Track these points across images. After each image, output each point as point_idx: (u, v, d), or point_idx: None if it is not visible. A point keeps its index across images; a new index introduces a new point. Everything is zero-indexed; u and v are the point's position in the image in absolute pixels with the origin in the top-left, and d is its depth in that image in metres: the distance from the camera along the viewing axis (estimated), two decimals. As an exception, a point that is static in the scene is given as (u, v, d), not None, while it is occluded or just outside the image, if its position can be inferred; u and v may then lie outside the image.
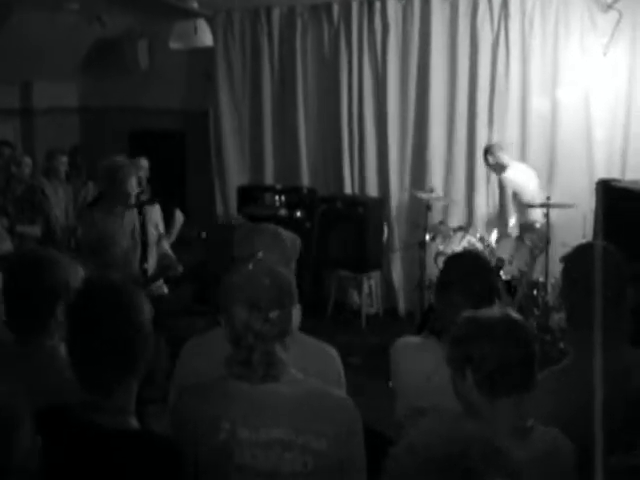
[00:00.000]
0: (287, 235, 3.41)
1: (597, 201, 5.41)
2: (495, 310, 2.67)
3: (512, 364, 2.46)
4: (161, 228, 6.12)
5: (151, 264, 5.84)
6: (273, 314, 2.53)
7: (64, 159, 8.34)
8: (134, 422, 2.41)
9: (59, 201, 8.08)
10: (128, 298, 2.43)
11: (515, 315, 2.59)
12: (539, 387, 2.70)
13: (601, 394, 2.73)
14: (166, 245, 6.17)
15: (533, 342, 2.54)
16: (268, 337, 2.53)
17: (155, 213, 6.05)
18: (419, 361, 3.22)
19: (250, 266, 2.67)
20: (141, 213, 5.70)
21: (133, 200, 5.76)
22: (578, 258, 3.23)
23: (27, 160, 8.03)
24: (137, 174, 5.93)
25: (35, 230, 7.69)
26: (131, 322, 2.39)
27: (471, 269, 3.28)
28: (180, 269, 5.94)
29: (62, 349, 2.65)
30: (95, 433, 2.30)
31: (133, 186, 5.76)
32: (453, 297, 3.17)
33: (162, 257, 6.02)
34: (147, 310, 2.46)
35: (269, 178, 9.31)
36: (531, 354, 2.51)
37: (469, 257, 3.54)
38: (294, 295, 2.64)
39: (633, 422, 2.93)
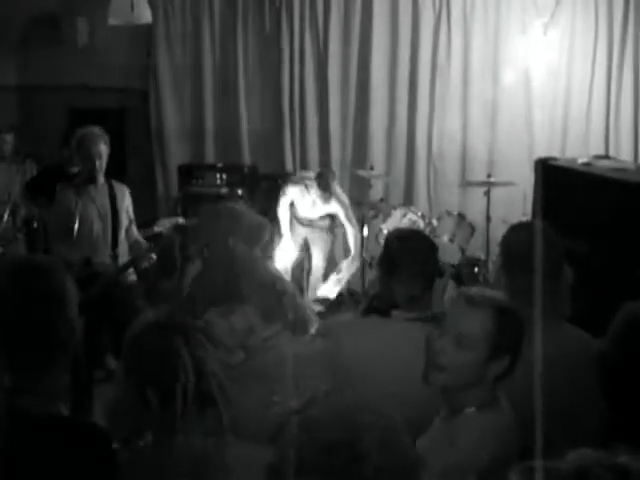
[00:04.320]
0: (253, 218, 3.39)
1: (536, 179, 5.48)
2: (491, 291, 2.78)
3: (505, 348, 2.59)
4: (131, 213, 5.95)
5: (122, 250, 5.74)
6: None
7: (9, 137, 8.18)
8: (63, 409, 2.37)
9: (7, 182, 7.89)
10: (50, 281, 2.38)
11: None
12: None
13: (542, 370, 2.77)
14: (136, 231, 5.99)
15: (523, 326, 2.65)
16: None
17: (126, 197, 5.91)
18: (365, 340, 3.20)
19: None
20: (111, 195, 5.62)
21: (102, 171, 5.64)
22: (516, 236, 3.28)
23: None
24: (105, 144, 5.69)
25: None
26: (52, 305, 2.35)
27: (420, 250, 3.31)
28: (152, 258, 5.79)
29: None
30: (22, 418, 2.25)
31: (101, 154, 5.62)
32: (402, 277, 3.20)
33: (133, 244, 5.89)
34: (71, 294, 2.41)
35: (210, 156, 9.24)
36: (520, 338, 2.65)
37: (417, 238, 3.54)
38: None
39: (569, 398, 2.98)
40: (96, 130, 5.73)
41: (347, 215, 7.40)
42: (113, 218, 5.65)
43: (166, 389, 2.25)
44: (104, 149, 5.66)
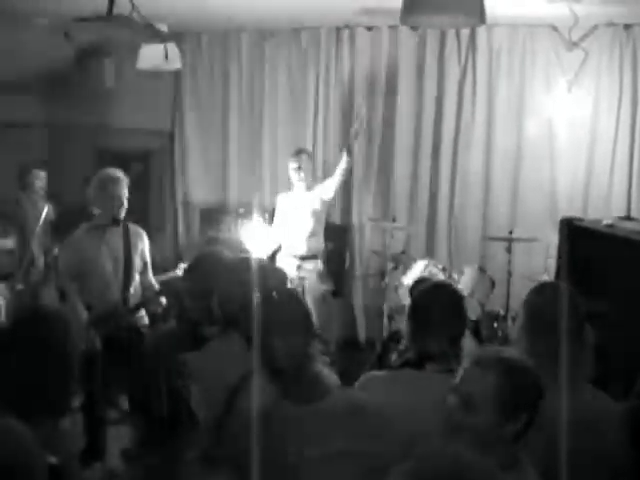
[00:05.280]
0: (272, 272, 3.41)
1: (560, 239, 5.49)
2: (512, 350, 2.81)
3: (525, 405, 2.55)
4: (147, 258, 5.88)
5: (133, 293, 5.68)
6: (307, 338, 2.66)
7: (41, 174, 8.26)
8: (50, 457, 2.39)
9: (38, 215, 7.93)
10: (49, 330, 2.46)
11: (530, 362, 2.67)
12: None
13: (566, 433, 2.77)
14: (151, 275, 5.93)
15: (542, 387, 2.62)
16: (308, 361, 2.66)
17: (141, 241, 5.84)
18: (394, 395, 3.19)
19: (275, 294, 2.69)
20: (126, 238, 5.60)
21: (122, 216, 5.61)
22: (539, 297, 3.27)
23: None
24: (126, 186, 5.68)
25: (6, 243, 7.60)
26: (50, 354, 2.42)
27: (450, 302, 3.34)
28: (162, 304, 5.78)
29: None
30: None
31: (121, 197, 5.59)
32: (434, 330, 3.20)
33: (145, 288, 5.83)
34: (72, 342, 2.47)
35: (234, 202, 9.28)
36: (540, 397, 2.61)
37: (445, 290, 3.53)
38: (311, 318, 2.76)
39: (592, 462, 2.96)
40: (118, 172, 5.71)
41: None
42: (126, 261, 5.59)
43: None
44: (125, 192, 5.64)
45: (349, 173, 7.87)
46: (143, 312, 5.81)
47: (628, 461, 2.73)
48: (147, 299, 5.77)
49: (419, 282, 3.89)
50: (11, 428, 2.11)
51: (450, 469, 1.74)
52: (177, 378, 2.80)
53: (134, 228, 5.82)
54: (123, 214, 5.64)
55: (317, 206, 7.40)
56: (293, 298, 2.70)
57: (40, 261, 7.75)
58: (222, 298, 3.43)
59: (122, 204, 5.61)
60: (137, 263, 5.74)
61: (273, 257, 7.52)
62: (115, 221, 5.63)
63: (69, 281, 5.53)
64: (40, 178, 8.24)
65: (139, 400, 2.73)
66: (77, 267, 5.52)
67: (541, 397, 2.56)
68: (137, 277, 5.75)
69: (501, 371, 2.52)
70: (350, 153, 7.26)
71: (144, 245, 5.86)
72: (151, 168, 9.59)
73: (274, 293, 2.71)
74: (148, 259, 5.90)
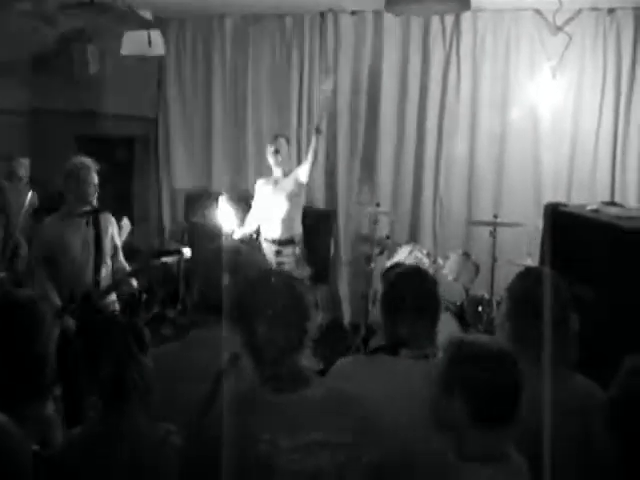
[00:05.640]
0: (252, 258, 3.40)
1: (545, 224, 5.49)
2: (487, 337, 2.82)
3: (503, 394, 2.52)
4: (117, 241, 5.98)
5: (104, 277, 5.70)
6: (294, 330, 2.62)
7: (24, 161, 8.21)
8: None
9: (21, 203, 7.91)
10: (24, 316, 2.47)
11: (506, 346, 2.68)
12: None
13: (549, 418, 2.79)
14: (122, 259, 6.01)
15: (521, 375, 2.58)
16: (291, 351, 2.62)
17: (111, 225, 5.92)
18: (368, 381, 3.20)
19: (269, 280, 2.70)
20: (95, 223, 5.61)
21: (93, 202, 5.66)
22: (523, 283, 3.28)
23: None
24: (96, 174, 5.73)
25: None
26: (24, 340, 2.45)
27: (422, 287, 3.34)
28: (133, 285, 5.86)
29: None
30: None
31: (94, 188, 5.67)
32: (406, 315, 3.21)
33: (117, 271, 5.89)
34: (47, 329, 2.49)
35: (217, 186, 9.27)
36: (519, 387, 2.55)
37: (417, 275, 3.54)
38: (309, 308, 2.70)
39: (576, 446, 2.98)
40: (87, 160, 5.78)
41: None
42: (97, 245, 5.61)
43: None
44: (95, 179, 5.70)
45: (325, 155, 7.88)
46: (114, 297, 5.88)
47: (612, 446, 2.74)
48: (118, 281, 5.82)
49: (392, 268, 3.88)
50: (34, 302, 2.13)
51: None
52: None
53: (102, 214, 5.82)
54: (94, 200, 5.69)
55: (293, 188, 7.37)
56: (285, 285, 2.69)
57: (24, 249, 7.71)
58: (206, 283, 3.41)
59: (92, 190, 5.68)
60: (108, 247, 5.80)
61: (257, 239, 7.53)
62: (86, 207, 5.67)
63: (41, 267, 5.60)
64: (23, 166, 8.18)
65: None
66: (49, 252, 5.60)
67: (521, 384, 2.57)
68: (109, 261, 5.81)
69: (481, 358, 2.54)
70: (319, 132, 7.25)
71: (114, 229, 5.94)
72: (135, 154, 9.57)
73: (271, 278, 2.71)
74: (118, 243, 5.99)
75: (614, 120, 7.96)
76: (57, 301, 5.43)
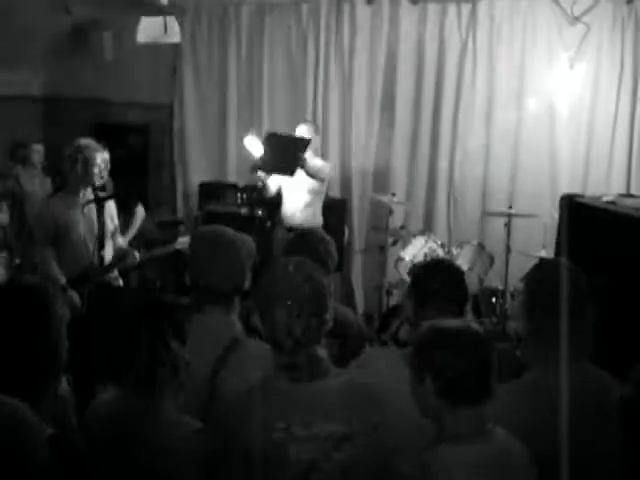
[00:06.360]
0: (241, 241, 3.35)
1: (561, 215, 5.48)
2: (457, 321, 2.77)
3: (470, 374, 2.54)
4: (116, 222, 6.11)
5: (107, 254, 5.85)
6: (313, 321, 2.62)
7: (38, 147, 8.20)
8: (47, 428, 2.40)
9: (36, 190, 7.94)
10: (35, 303, 2.48)
11: (475, 326, 2.67)
12: (504, 402, 2.76)
13: (567, 411, 2.78)
14: (120, 239, 6.15)
15: (491, 354, 2.61)
16: (308, 342, 2.63)
17: (111, 206, 6.04)
18: (396, 373, 3.19)
19: (290, 270, 2.68)
20: (99, 203, 5.75)
21: (96, 183, 5.78)
22: (540, 274, 3.25)
23: None
24: (102, 158, 5.82)
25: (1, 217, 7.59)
26: (36, 326, 2.44)
27: (450, 277, 3.35)
28: (136, 258, 5.94)
29: None
30: None
31: (98, 169, 5.75)
32: (436, 306, 3.20)
33: (118, 250, 6.01)
34: (58, 315, 2.50)
35: (232, 175, 9.26)
36: (489, 365, 2.58)
37: (444, 266, 3.54)
38: (328, 301, 2.71)
39: (592, 438, 2.96)
40: (90, 142, 5.88)
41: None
42: (100, 224, 5.76)
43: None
44: (99, 159, 5.79)
45: (340, 145, 7.84)
46: (116, 273, 6.01)
47: (626, 440, 2.73)
48: (121, 255, 5.95)
49: (418, 266, 3.87)
50: (5, 405, 2.11)
51: None
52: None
53: (102, 194, 6.01)
54: (97, 182, 5.81)
55: (313, 184, 7.33)
56: (308, 276, 2.68)
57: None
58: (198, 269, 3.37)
59: (97, 171, 5.77)
60: (109, 225, 5.93)
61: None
62: (89, 188, 5.81)
63: (46, 246, 5.70)
64: (38, 152, 8.18)
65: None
66: (53, 232, 5.70)
67: (484, 364, 2.57)
68: (110, 240, 5.95)
69: (440, 345, 2.58)
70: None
71: (112, 209, 6.07)
72: (150, 142, 9.55)
73: (290, 267, 2.70)
74: (116, 222, 6.10)
75: (631, 111, 7.94)
76: (62, 279, 5.54)
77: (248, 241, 3.36)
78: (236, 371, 3.00)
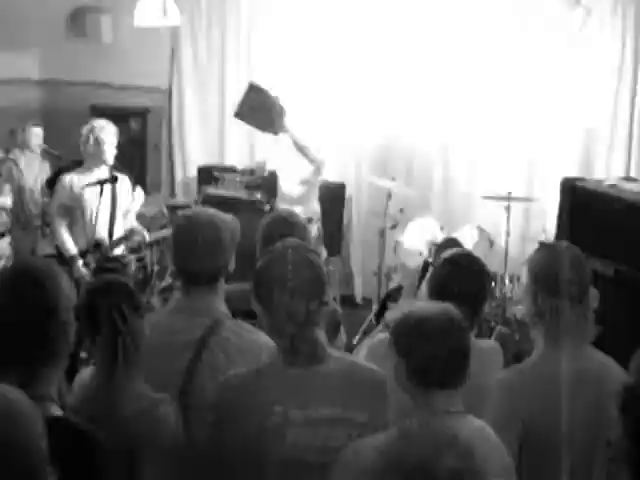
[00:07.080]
0: (222, 222, 3.31)
1: (562, 199, 5.46)
2: (436, 305, 2.77)
3: (440, 359, 2.55)
4: (130, 200, 6.45)
5: (117, 230, 6.17)
6: (313, 304, 2.63)
7: (38, 130, 8.17)
8: (55, 409, 2.42)
9: (34, 174, 7.93)
10: (43, 286, 2.45)
11: (453, 312, 2.66)
12: (509, 384, 2.77)
13: (569, 392, 2.78)
14: (132, 219, 6.49)
15: (465, 338, 2.63)
16: (309, 325, 2.63)
17: (125, 184, 6.36)
18: None
19: (289, 255, 2.68)
20: (112, 179, 6.03)
21: (109, 162, 6.15)
22: (543, 257, 3.25)
23: None
24: (114, 136, 6.24)
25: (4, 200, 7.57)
26: (44, 306, 2.42)
27: (473, 272, 3.37)
28: (146, 237, 6.39)
29: None
30: None
31: (110, 147, 6.14)
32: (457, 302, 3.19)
33: (130, 228, 6.36)
34: (66, 298, 2.49)
35: (231, 159, 9.24)
36: (462, 350, 2.60)
37: (467, 261, 3.51)
38: (326, 285, 2.72)
39: (593, 422, 2.97)
40: (104, 122, 6.31)
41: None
42: (112, 199, 6.11)
43: None
44: (113, 139, 6.21)
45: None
46: (123, 249, 6.36)
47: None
48: (131, 231, 6.34)
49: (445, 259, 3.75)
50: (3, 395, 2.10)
51: None
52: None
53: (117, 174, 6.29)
54: (111, 160, 6.19)
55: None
56: (306, 259, 2.68)
57: (37, 219, 7.72)
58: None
59: (110, 150, 6.17)
60: (122, 203, 6.28)
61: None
62: (103, 165, 6.19)
63: (60, 217, 6.13)
64: (37, 135, 8.14)
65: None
66: (67, 205, 6.11)
67: (457, 350, 2.58)
68: (122, 218, 6.31)
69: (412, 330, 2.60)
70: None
71: (126, 187, 6.43)
72: (148, 125, 9.53)
73: (289, 252, 2.69)
74: (130, 200, 6.50)
75: (631, 94, 7.93)
76: (73, 249, 5.99)
77: (230, 221, 3.32)
78: (218, 353, 3.00)
